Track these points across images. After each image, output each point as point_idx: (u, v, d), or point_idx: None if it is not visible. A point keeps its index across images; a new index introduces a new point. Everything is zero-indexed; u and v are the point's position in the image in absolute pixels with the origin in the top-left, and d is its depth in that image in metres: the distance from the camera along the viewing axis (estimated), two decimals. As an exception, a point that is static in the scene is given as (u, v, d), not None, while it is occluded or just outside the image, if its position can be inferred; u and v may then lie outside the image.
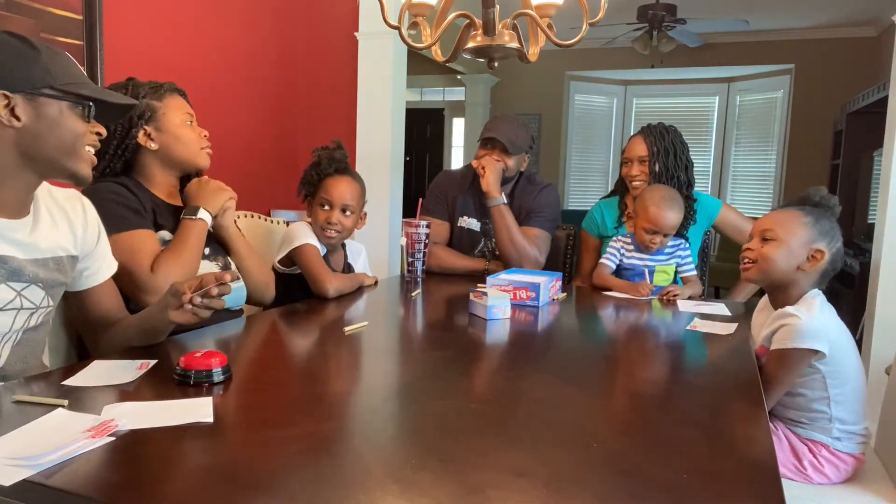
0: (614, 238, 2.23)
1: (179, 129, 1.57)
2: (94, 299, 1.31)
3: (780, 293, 1.56)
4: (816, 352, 1.42)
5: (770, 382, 1.43)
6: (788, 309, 1.47)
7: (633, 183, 2.27)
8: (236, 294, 1.63)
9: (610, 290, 2.11)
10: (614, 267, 2.18)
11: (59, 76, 1.10)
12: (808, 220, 1.52)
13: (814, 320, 1.43)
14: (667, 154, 2.24)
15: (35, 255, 1.15)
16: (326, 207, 1.92)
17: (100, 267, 1.31)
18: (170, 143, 1.56)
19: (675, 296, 2.01)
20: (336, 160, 1.94)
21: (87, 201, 1.29)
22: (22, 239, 1.12)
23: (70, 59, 1.15)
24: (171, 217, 1.57)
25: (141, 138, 1.54)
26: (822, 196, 1.56)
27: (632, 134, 2.39)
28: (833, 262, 1.52)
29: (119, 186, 1.50)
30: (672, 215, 2.07)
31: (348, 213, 1.93)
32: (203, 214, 1.54)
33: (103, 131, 1.19)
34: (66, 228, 1.22)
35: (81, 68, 1.19)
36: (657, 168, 2.24)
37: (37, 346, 1.22)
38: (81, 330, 1.38)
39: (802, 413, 1.49)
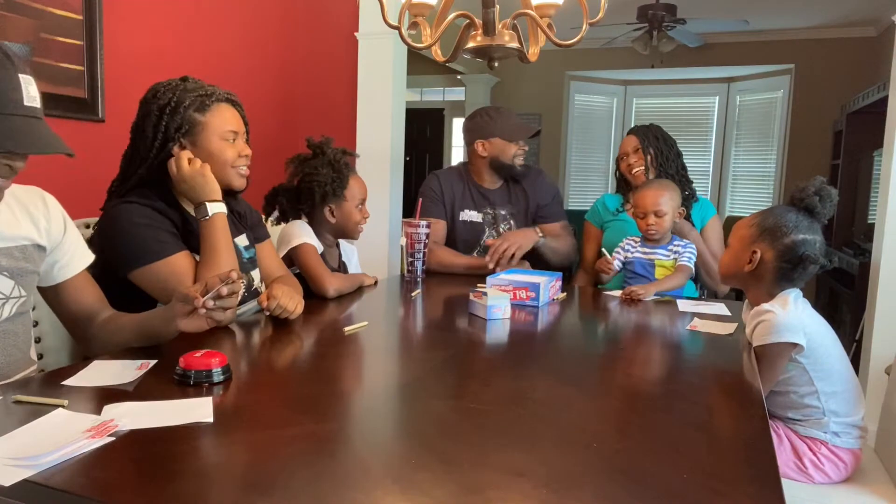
0: (626, 239, 2.26)
1: (216, 147, 1.50)
2: (71, 292, 1.31)
3: (749, 292, 1.62)
4: (795, 345, 1.44)
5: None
6: (764, 306, 1.50)
7: (633, 171, 2.42)
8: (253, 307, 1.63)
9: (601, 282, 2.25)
10: (618, 265, 2.21)
11: None
12: (754, 222, 1.57)
13: (788, 315, 1.46)
14: (656, 140, 2.43)
15: None
16: (360, 206, 2.00)
17: (70, 259, 1.30)
18: (203, 160, 1.48)
19: (639, 296, 1.96)
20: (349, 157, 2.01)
21: (47, 195, 1.28)
22: None
23: (14, 80, 1.02)
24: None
25: (175, 152, 1.47)
26: (818, 188, 1.52)
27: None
28: (786, 258, 1.50)
29: (146, 209, 1.44)
30: (653, 192, 2.14)
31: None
32: (213, 208, 1.45)
33: (16, 165, 1.07)
34: (27, 220, 1.21)
35: (27, 90, 1.04)
36: (652, 152, 2.41)
37: (18, 339, 1.21)
38: (66, 327, 1.36)
39: (797, 411, 1.50)
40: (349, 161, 1.98)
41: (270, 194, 1.99)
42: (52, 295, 1.31)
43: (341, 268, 2.08)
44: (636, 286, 2.02)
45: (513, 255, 2.23)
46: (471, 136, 2.48)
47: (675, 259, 2.15)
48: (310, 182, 1.92)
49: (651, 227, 2.13)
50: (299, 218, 2.00)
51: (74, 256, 1.31)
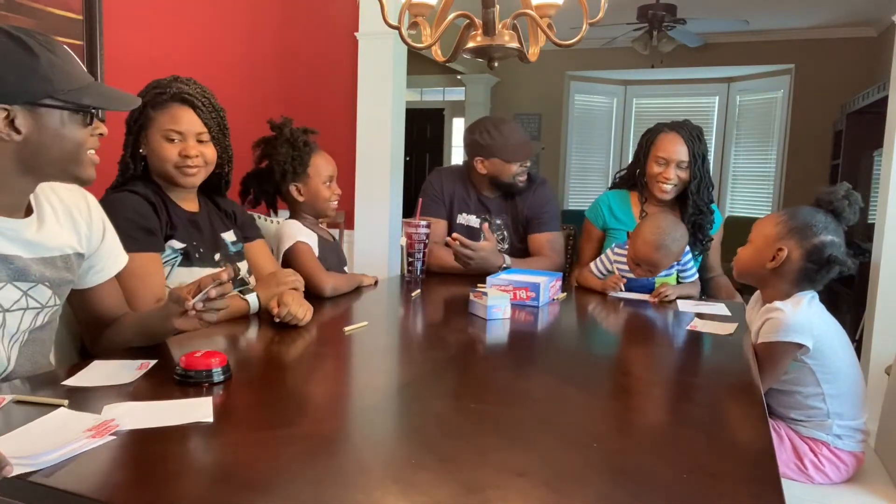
0: (612, 248, 2.15)
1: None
2: (99, 297, 1.30)
3: (765, 290, 1.61)
4: (800, 346, 1.44)
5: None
6: (776, 303, 1.49)
7: (665, 186, 2.17)
8: (251, 304, 1.63)
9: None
10: (598, 273, 2.14)
11: (60, 83, 1.05)
12: (781, 220, 1.55)
13: (798, 315, 1.45)
14: (703, 160, 2.17)
15: (42, 254, 1.14)
16: (328, 183, 1.97)
17: (106, 264, 1.29)
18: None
19: (666, 296, 1.95)
20: (311, 135, 1.98)
21: (91, 198, 1.27)
22: (28, 238, 1.11)
23: (70, 57, 1.10)
24: (187, 223, 1.56)
25: (141, 145, 1.55)
26: (846, 192, 1.52)
27: (657, 129, 2.23)
28: (812, 259, 1.50)
29: (138, 199, 1.48)
30: (658, 256, 1.94)
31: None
32: (250, 297, 1.54)
33: (105, 130, 1.16)
34: (69, 226, 1.21)
35: (80, 62, 1.15)
36: (686, 175, 2.16)
37: (44, 346, 1.21)
38: (82, 327, 1.37)
39: (801, 411, 1.50)
40: (310, 139, 1.96)
41: (243, 179, 2.01)
42: (79, 298, 1.29)
43: (338, 248, 2.09)
44: (665, 286, 1.98)
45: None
46: (471, 151, 2.41)
47: (676, 274, 2.08)
48: (270, 161, 1.94)
49: (639, 274, 2.02)
50: (274, 202, 2.01)
51: (109, 261, 1.30)
